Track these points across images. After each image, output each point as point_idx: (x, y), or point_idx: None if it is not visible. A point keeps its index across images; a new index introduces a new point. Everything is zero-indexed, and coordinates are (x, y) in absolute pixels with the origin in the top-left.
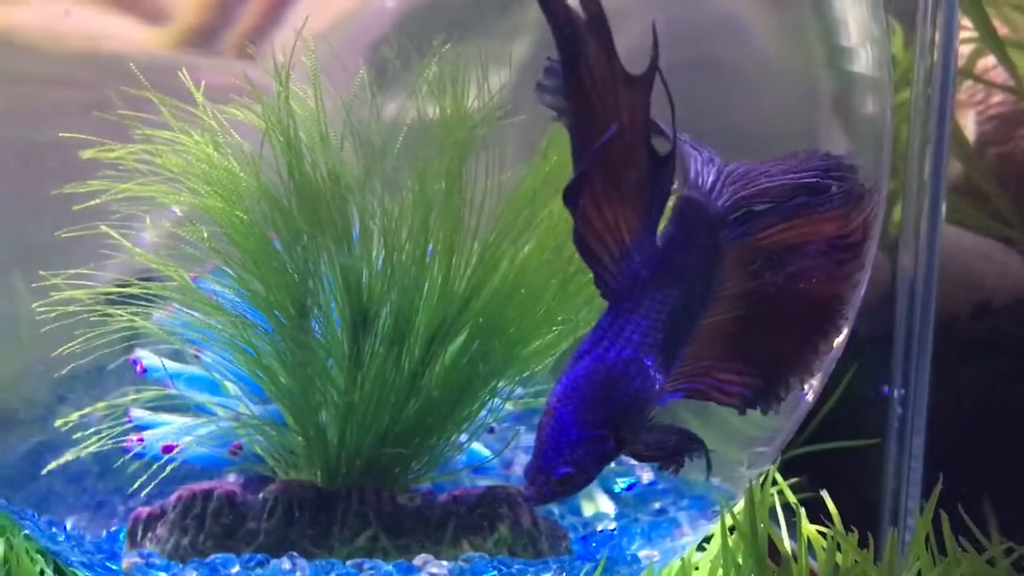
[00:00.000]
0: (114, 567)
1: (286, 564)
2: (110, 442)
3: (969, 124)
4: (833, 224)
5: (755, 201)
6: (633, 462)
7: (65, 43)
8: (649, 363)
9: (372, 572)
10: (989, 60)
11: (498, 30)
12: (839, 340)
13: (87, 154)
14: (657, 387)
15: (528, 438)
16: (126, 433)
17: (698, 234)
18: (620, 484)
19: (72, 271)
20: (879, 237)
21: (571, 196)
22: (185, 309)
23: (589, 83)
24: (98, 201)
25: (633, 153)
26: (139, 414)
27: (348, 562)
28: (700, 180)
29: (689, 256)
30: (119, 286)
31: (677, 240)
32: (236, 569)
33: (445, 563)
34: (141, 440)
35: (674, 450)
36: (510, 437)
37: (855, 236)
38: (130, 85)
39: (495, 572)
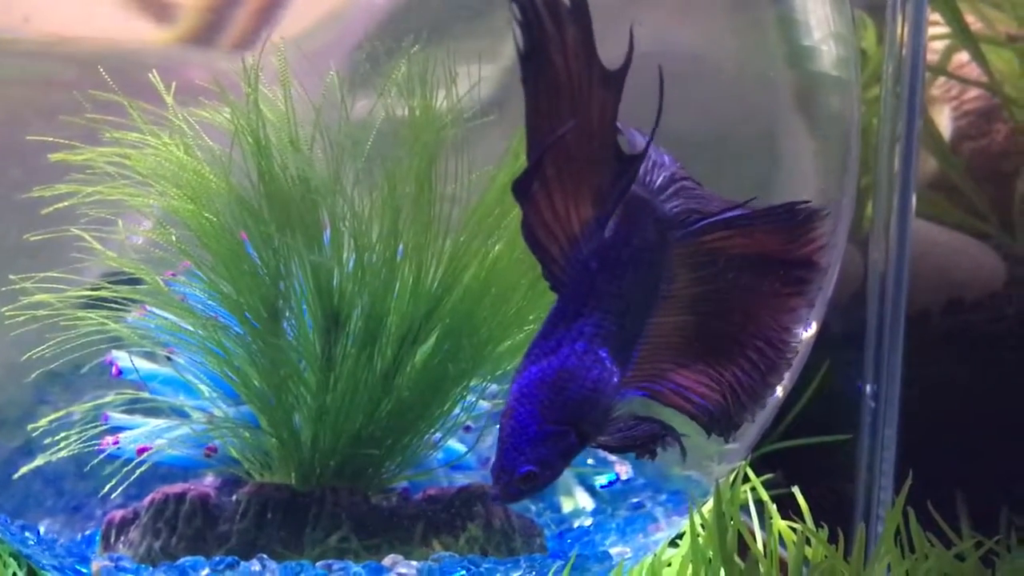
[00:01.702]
0: (84, 570)
1: (256, 566)
2: (85, 445)
3: (944, 120)
4: (777, 239)
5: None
6: (612, 458)
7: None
8: (604, 354)
9: (341, 573)
10: (964, 56)
11: (485, 29)
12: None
13: (55, 157)
14: (614, 379)
15: None
16: (102, 435)
17: (642, 229)
18: (599, 480)
19: (47, 273)
20: (850, 233)
21: (520, 188)
22: (158, 311)
23: (562, 75)
24: (65, 204)
25: (597, 150)
26: (115, 416)
27: (318, 563)
28: (648, 179)
29: (635, 250)
30: (97, 289)
31: (622, 234)
32: (205, 572)
33: (414, 563)
34: (116, 442)
35: (644, 439)
36: (483, 435)
37: (801, 267)
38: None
39: (464, 571)
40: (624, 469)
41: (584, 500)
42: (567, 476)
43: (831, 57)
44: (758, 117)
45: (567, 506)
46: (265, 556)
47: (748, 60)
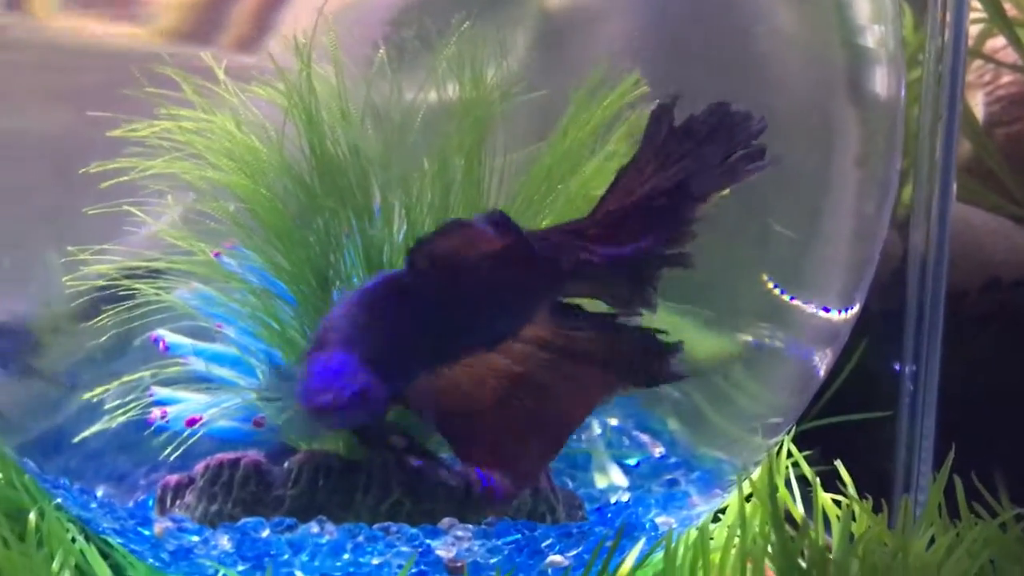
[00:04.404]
0: (147, 533)
1: (315, 528)
2: (138, 415)
3: (978, 104)
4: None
5: None
6: (645, 438)
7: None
8: None
9: (399, 534)
10: (998, 40)
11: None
12: None
13: (115, 133)
14: None
15: None
16: (151, 408)
17: None
18: (631, 460)
19: (103, 246)
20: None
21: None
22: (209, 285)
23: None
24: (124, 179)
25: None
26: (160, 391)
27: (375, 526)
28: None
29: None
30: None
31: None
32: (266, 533)
33: (470, 526)
34: (165, 414)
35: None
36: None
37: None
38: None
39: (519, 535)
40: (657, 448)
41: (618, 477)
42: (601, 453)
43: (880, 37)
44: (812, 95)
45: (601, 483)
46: (324, 518)
47: (807, 37)
